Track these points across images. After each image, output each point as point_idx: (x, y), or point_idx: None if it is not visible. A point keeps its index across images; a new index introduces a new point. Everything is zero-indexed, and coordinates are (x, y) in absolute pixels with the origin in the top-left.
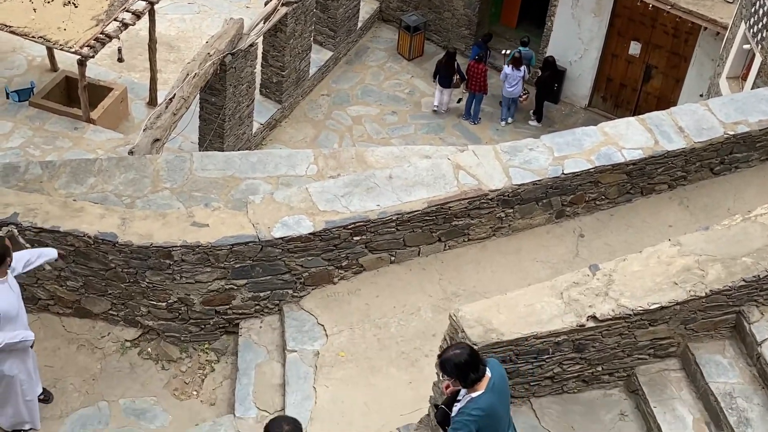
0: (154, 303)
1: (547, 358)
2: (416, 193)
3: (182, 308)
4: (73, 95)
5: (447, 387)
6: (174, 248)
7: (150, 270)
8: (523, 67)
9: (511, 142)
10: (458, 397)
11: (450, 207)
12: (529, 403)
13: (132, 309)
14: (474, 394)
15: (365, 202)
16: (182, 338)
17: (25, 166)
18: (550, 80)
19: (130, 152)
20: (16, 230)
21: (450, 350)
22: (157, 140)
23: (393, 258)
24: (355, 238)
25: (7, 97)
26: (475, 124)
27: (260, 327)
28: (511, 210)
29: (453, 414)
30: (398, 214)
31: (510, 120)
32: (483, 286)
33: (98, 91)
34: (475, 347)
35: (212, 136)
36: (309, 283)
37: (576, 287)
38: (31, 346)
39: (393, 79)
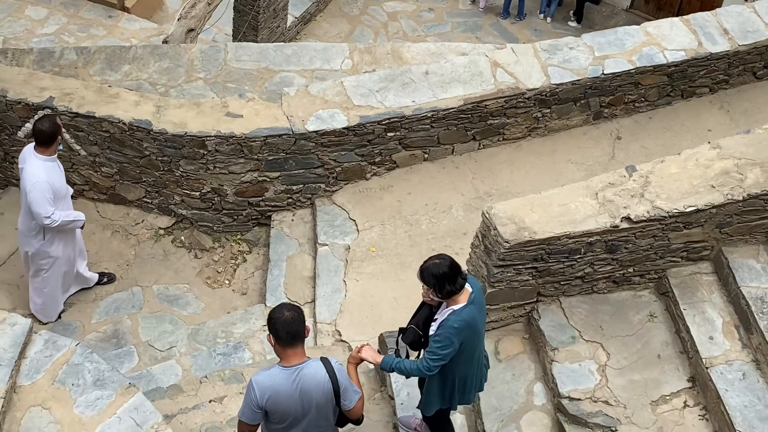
0: (188, 192)
1: (579, 258)
2: (452, 90)
3: (215, 198)
4: None
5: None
6: (208, 138)
7: (184, 159)
8: None
9: (551, 40)
10: (435, 317)
11: (486, 105)
12: (558, 302)
13: (166, 197)
14: (456, 307)
15: (400, 97)
16: (215, 228)
17: (60, 52)
18: None
19: (165, 41)
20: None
21: (431, 260)
22: (191, 30)
23: (426, 155)
24: (389, 134)
25: None
26: (519, 20)
27: (292, 220)
28: (548, 110)
29: (432, 332)
30: (433, 111)
31: (549, 18)
32: (516, 187)
33: None
34: (507, 244)
35: (246, 28)
36: (342, 178)
37: (611, 188)
38: (81, 227)
39: None
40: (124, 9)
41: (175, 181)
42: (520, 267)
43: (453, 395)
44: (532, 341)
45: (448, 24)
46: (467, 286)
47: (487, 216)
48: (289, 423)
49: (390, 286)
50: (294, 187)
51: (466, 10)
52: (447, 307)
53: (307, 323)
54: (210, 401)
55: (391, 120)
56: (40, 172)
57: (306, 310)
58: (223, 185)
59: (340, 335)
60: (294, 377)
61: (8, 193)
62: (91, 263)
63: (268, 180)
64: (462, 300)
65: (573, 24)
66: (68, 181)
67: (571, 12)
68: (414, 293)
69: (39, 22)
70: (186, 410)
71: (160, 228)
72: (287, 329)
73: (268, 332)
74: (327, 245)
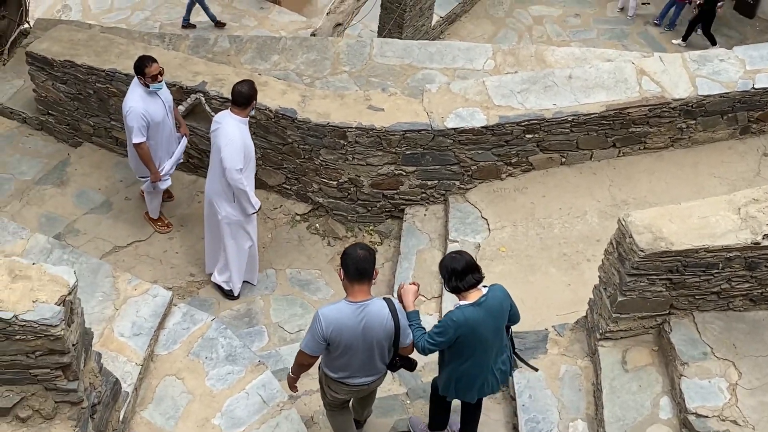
0: (326, 181)
1: (716, 273)
2: (595, 95)
3: (352, 189)
4: None
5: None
6: (349, 129)
7: (325, 148)
8: None
9: (701, 51)
10: None
11: (629, 112)
12: (691, 316)
13: (304, 185)
14: (462, 302)
15: (541, 100)
16: (349, 218)
17: (215, 39)
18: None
19: (313, 34)
20: (203, 99)
21: (450, 253)
22: (339, 24)
23: (564, 159)
24: (527, 136)
25: None
26: (669, 30)
27: (424, 215)
28: (693, 121)
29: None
30: (574, 115)
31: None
32: (655, 197)
33: None
34: (642, 253)
35: (391, 26)
36: (476, 177)
37: (755, 204)
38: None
39: None
40: (276, 1)
41: (314, 169)
42: (654, 277)
43: (450, 387)
44: (662, 354)
45: (594, 30)
46: (482, 288)
47: (624, 223)
48: (349, 356)
49: (518, 287)
50: (429, 183)
51: (613, 17)
52: (458, 302)
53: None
54: None
55: (531, 122)
56: (235, 132)
57: (432, 305)
58: (360, 176)
59: None
60: (358, 312)
61: None
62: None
63: (404, 174)
64: (470, 298)
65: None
66: None
67: (698, 28)
68: (542, 296)
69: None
70: (310, 392)
71: (296, 214)
72: (357, 265)
73: (339, 266)
74: (457, 242)
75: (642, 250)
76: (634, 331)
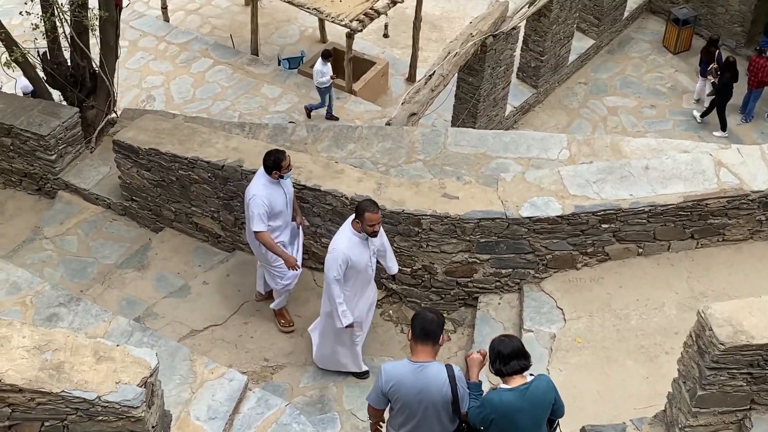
0: (400, 268)
1: None
2: (672, 186)
3: (425, 276)
4: (339, 67)
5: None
6: (424, 217)
7: (399, 235)
8: None
9: None
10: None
11: (707, 204)
12: None
13: (378, 271)
14: (503, 386)
15: (618, 190)
16: (422, 305)
17: (293, 128)
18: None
19: (388, 123)
20: None
21: (501, 336)
22: (413, 114)
23: (640, 250)
24: (603, 226)
25: (279, 64)
26: (746, 122)
27: (499, 303)
28: None
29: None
30: (651, 206)
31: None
32: (734, 289)
33: (362, 64)
34: (722, 347)
35: (465, 116)
36: (551, 266)
37: None
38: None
39: (655, 72)
40: (352, 92)
41: None
42: (735, 371)
43: None
44: None
45: (670, 121)
46: (527, 376)
47: (703, 316)
48: (407, 415)
49: (594, 379)
50: (503, 271)
51: (689, 108)
52: (501, 384)
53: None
54: None
55: (607, 212)
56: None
57: None
58: (434, 263)
59: None
60: (418, 371)
61: (235, 256)
62: (303, 328)
63: (478, 262)
64: (512, 383)
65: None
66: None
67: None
68: (619, 388)
69: (273, 100)
70: None
71: None
72: (423, 325)
73: (409, 326)
74: (532, 332)
75: (722, 344)
76: (714, 426)
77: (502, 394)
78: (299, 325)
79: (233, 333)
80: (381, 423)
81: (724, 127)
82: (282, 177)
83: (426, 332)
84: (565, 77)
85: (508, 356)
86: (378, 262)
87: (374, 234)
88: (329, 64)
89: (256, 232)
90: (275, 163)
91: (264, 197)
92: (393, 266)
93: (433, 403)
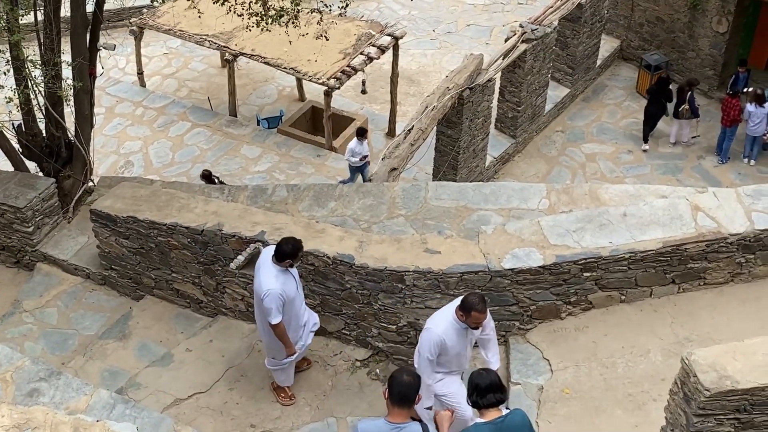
0: (385, 325)
1: None
2: (651, 232)
3: (411, 332)
4: (318, 124)
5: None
6: (407, 273)
7: (383, 292)
8: (767, 105)
9: (756, 185)
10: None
11: (686, 249)
12: None
13: (364, 330)
14: (477, 420)
15: (597, 238)
16: (409, 362)
17: (273, 189)
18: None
19: (368, 180)
20: (262, 248)
21: (479, 369)
22: (394, 169)
23: (623, 297)
24: (585, 274)
25: (258, 124)
26: (723, 163)
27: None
28: (752, 256)
29: None
30: (631, 253)
31: (753, 161)
32: (718, 333)
33: (341, 121)
34: (707, 393)
35: (446, 168)
36: (536, 317)
37: None
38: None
39: (630, 117)
40: (332, 148)
41: (373, 314)
42: (722, 417)
43: None
44: None
45: (648, 166)
46: (502, 409)
47: (687, 362)
48: None
49: (584, 430)
50: None
51: (666, 152)
52: (476, 418)
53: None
54: None
55: (588, 260)
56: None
57: None
58: (419, 319)
59: None
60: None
61: (218, 321)
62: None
63: None
64: (486, 417)
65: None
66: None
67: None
68: None
69: (253, 160)
70: None
71: (356, 360)
72: (401, 390)
73: (385, 386)
74: (520, 384)
75: (707, 390)
76: None
77: (478, 428)
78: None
79: (218, 400)
80: None
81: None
82: (292, 266)
83: (402, 397)
84: (543, 126)
85: (485, 389)
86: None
87: (476, 328)
88: (365, 143)
89: (273, 325)
90: (294, 252)
91: (279, 290)
92: (494, 361)
93: None
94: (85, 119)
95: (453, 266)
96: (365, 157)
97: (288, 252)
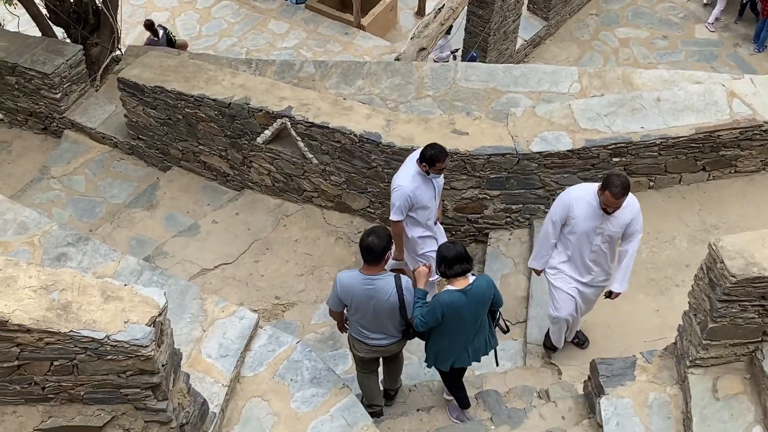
0: None
1: None
2: (684, 118)
3: None
4: (347, 1)
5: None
6: None
7: None
8: None
9: None
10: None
11: (719, 135)
12: None
13: (388, 208)
14: (450, 287)
15: (629, 123)
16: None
17: (300, 64)
18: None
19: (397, 59)
20: (289, 123)
21: (447, 242)
22: (423, 49)
23: (651, 183)
24: (614, 159)
25: None
26: (759, 51)
27: (509, 239)
28: None
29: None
30: (663, 139)
31: None
32: (746, 221)
33: None
34: (734, 279)
35: (475, 49)
36: None
37: None
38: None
39: (667, 2)
40: (360, 27)
41: None
42: (746, 303)
43: (430, 358)
44: (754, 382)
45: (682, 52)
46: (469, 277)
47: (715, 248)
48: (359, 316)
49: (604, 313)
50: (513, 207)
51: (702, 39)
52: (447, 285)
53: (391, 251)
54: (417, 410)
55: (618, 145)
56: (407, 180)
57: (517, 330)
58: (443, 200)
59: (550, 357)
60: (366, 282)
61: (244, 195)
62: (314, 266)
63: (488, 198)
64: (458, 285)
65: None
66: (298, 188)
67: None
68: (629, 322)
69: (280, 36)
70: (394, 416)
71: None
72: (365, 250)
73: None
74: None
75: (734, 276)
76: (725, 359)
77: (450, 295)
78: (310, 263)
79: (243, 271)
80: (345, 323)
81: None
82: (428, 174)
83: (367, 254)
84: (576, 9)
85: (452, 260)
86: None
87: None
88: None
89: (392, 221)
90: (430, 159)
91: (409, 191)
92: (619, 284)
93: (383, 308)
94: None
95: (480, 148)
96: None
97: (425, 156)
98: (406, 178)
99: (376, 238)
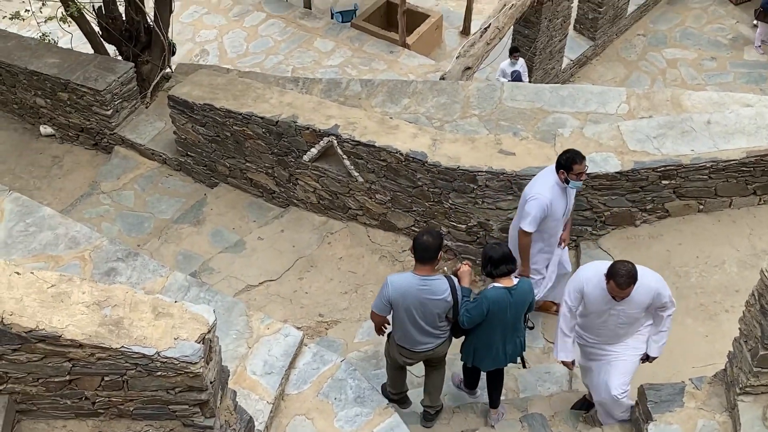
0: (455, 224)
1: None
2: (735, 141)
3: (481, 232)
4: (392, 20)
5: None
6: (479, 173)
7: (454, 192)
8: None
9: None
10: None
11: None
12: None
13: (434, 228)
14: (496, 284)
15: (678, 145)
16: (477, 262)
17: (346, 83)
18: None
19: (442, 77)
20: (335, 142)
21: (492, 242)
22: (468, 68)
23: (701, 206)
24: (663, 182)
25: (332, 17)
26: None
27: None
28: None
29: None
30: (713, 162)
31: None
32: None
33: (415, 17)
34: None
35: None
36: (609, 223)
37: None
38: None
39: (716, 23)
40: (405, 45)
41: (443, 212)
42: None
43: (470, 355)
44: None
45: (731, 74)
46: (513, 278)
47: (766, 274)
48: (409, 319)
49: None
50: None
51: (751, 60)
52: (491, 283)
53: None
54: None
55: (668, 168)
56: (545, 190)
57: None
58: (489, 220)
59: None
60: (421, 284)
61: (289, 212)
62: (358, 284)
63: None
64: (504, 283)
65: None
66: (343, 206)
67: None
68: (678, 347)
69: (326, 54)
70: None
71: None
72: (420, 249)
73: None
74: None
75: None
76: None
77: (497, 290)
78: (354, 281)
79: (288, 288)
80: (385, 325)
81: None
82: (567, 182)
83: (421, 255)
84: (624, 29)
85: (498, 260)
86: None
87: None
88: (520, 61)
89: (524, 232)
90: (567, 163)
91: (548, 201)
92: (655, 349)
93: (436, 309)
94: (165, 4)
95: (527, 168)
96: (518, 75)
97: (561, 162)
98: (545, 187)
99: (430, 237)
